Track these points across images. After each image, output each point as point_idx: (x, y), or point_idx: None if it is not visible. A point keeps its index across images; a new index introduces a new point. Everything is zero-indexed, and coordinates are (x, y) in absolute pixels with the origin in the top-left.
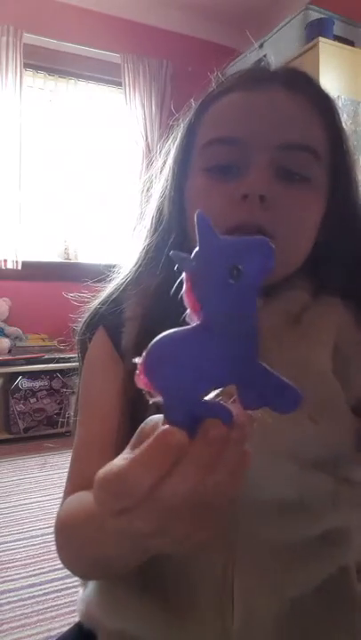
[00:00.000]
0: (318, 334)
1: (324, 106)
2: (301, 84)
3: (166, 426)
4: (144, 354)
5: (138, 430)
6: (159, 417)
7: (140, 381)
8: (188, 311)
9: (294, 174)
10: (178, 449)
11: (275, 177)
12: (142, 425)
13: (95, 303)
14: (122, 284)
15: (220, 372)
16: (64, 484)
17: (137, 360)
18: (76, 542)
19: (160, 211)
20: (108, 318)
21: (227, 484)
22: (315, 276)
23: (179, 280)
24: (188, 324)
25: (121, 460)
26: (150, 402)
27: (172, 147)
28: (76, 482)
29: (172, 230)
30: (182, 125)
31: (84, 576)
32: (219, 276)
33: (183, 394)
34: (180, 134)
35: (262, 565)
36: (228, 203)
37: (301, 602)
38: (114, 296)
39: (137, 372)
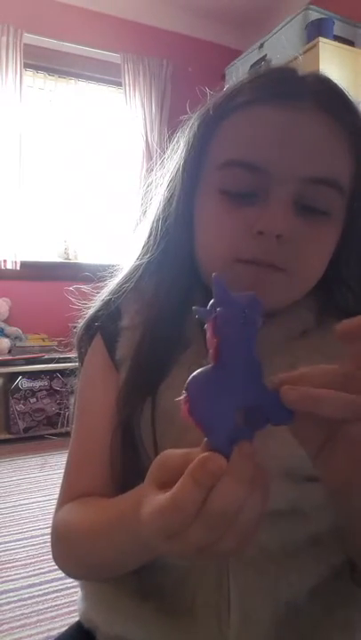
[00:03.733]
0: (321, 352)
1: (355, 129)
2: (334, 104)
3: (206, 453)
4: (184, 392)
5: (156, 465)
6: (173, 451)
7: (183, 415)
8: (210, 352)
9: (315, 209)
10: (221, 469)
11: (294, 211)
12: (159, 460)
13: (93, 307)
14: (121, 290)
15: (240, 399)
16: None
17: (180, 399)
18: (80, 552)
19: (164, 220)
20: (105, 325)
21: (259, 497)
22: (322, 290)
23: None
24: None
25: (164, 497)
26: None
27: (177, 149)
28: (70, 493)
29: (177, 245)
30: (191, 128)
31: (81, 578)
32: (236, 320)
33: (220, 422)
34: (189, 140)
35: (256, 569)
36: (243, 235)
37: (297, 603)
38: (112, 300)
39: (181, 406)
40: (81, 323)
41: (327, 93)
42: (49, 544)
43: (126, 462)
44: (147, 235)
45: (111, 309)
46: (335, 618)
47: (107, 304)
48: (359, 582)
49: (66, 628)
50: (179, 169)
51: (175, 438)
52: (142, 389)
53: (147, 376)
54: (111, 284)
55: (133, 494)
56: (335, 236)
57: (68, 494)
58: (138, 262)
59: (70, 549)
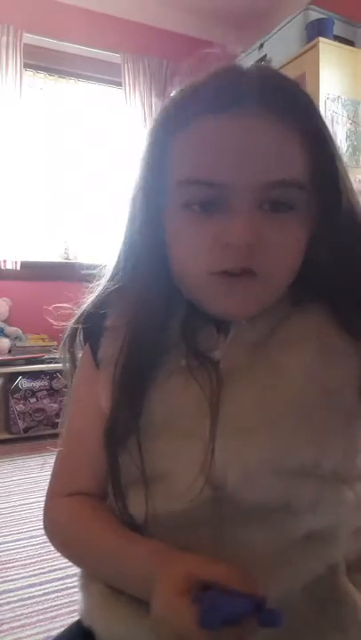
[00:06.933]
0: (295, 343)
1: (304, 120)
2: (280, 102)
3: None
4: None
5: (182, 576)
6: (201, 570)
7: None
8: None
9: (280, 204)
10: None
11: (259, 213)
12: (185, 574)
13: (80, 310)
14: (103, 293)
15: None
16: None
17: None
18: (81, 562)
19: (131, 235)
20: (90, 328)
21: None
22: (298, 277)
23: None
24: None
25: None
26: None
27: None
28: (60, 487)
29: (148, 262)
30: (146, 147)
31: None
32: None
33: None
34: (145, 159)
35: (247, 567)
36: (212, 248)
37: (290, 601)
38: (98, 301)
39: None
40: (69, 325)
41: (272, 91)
42: (49, 544)
43: (112, 463)
44: (121, 245)
45: (98, 310)
46: (329, 616)
47: (93, 306)
48: (354, 579)
49: (66, 627)
50: (140, 188)
51: (155, 440)
52: (128, 394)
53: (130, 382)
54: (98, 286)
55: (149, 560)
56: (304, 230)
57: (57, 490)
58: (118, 264)
59: (71, 555)
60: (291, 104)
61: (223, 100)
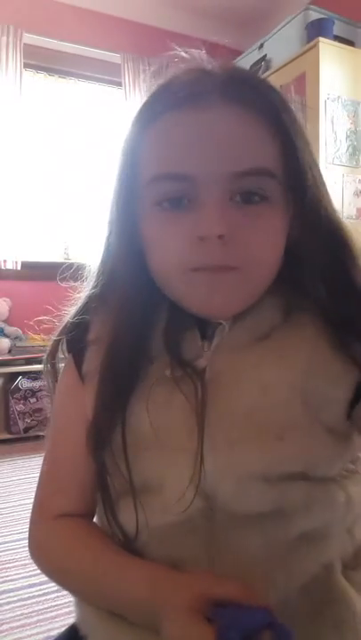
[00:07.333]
0: (285, 354)
1: (270, 111)
2: (243, 92)
3: None
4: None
5: (195, 595)
6: (214, 590)
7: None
8: None
9: (251, 195)
10: None
11: (230, 204)
12: (198, 593)
13: (62, 323)
14: (86, 302)
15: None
16: None
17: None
18: (78, 591)
19: (109, 238)
20: (73, 340)
21: None
22: (289, 285)
23: None
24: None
25: None
26: None
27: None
28: (46, 509)
29: (124, 263)
30: (122, 145)
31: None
32: None
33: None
34: (119, 159)
35: (242, 573)
36: (186, 244)
37: (286, 603)
38: (80, 311)
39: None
40: (52, 336)
41: (234, 83)
42: None
43: (100, 478)
44: (102, 251)
45: (79, 323)
46: (326, 616)
47: (72, 321)
48: (350, 577)
49: (66, 627)
50: (115, 190)
51: (144, 453)
52: (112, 406)
53: (114, 392)
54: (79, 299)
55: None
56: (281, 220)
57: (42, 512)
58: (98, 277)
59: (63, 584)
60: (256, 96)
61: (188, 94)
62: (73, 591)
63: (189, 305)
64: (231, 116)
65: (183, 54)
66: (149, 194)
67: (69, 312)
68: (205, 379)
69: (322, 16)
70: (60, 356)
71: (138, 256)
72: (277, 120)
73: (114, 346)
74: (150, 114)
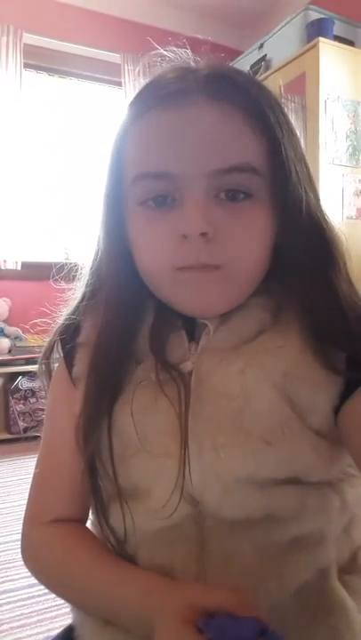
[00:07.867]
0: (271, 358)
1: (253, 108)
2: (225, 88)
3: None
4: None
5: (185, 605)
6: (204, 599)
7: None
8: None
9: (236, 192)
10: None
11: (214, 202)
12: (188, 602)
13: (57, 324)
14: (79, 303)
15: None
16: None
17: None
18: (72, 598)
19: (98, 239)
20: (65, 343)
21: None
22: (279, 283)
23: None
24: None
25: None
26: None
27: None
28: (40, 513)
29: (111, 264)
30: (110, 146)
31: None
32: None
33: None
34: (108, 162)
35: (233, 579)
36: (170, 243)
37: (279, 609)
38: (73, 312)
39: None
40: (46, 340)
41: (216, 79)
42: None
43: (92, 481)
44: (93, 253)
45: (70, 324)
46: (320, 622)
47: (65, 323)
48: (345, 581)
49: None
50: (103, 191)
51: (130, 457)
52: (98, 409)
53: (101, 394)
54: (72, 301)
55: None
56: (265, 217)
57: (40, 516)
58: (89, 278)
59: (56, 590)
60: (238, 92)
61: (170, 92)
62: (66, 599)
63: (176, 304)
64: (213, 112)
65: (165, 53)
66: (134, 193)
67: (63, 313)
68: (191, 382)
69: (322, 16)
70: (56, 355)
71: (126, 256)
72: (261, 116)
73: (100, 347)
74: (135, 112)
